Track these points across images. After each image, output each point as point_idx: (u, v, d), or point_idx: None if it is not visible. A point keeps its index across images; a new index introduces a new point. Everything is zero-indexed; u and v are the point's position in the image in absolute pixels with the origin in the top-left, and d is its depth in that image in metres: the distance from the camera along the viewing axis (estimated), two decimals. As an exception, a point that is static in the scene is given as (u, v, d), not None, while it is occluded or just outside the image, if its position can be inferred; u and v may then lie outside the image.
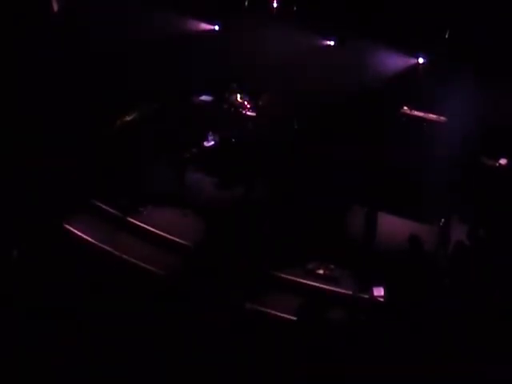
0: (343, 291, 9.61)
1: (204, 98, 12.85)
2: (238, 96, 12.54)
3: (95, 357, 6.12)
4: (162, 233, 10.56)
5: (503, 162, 10.77)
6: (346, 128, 11.54)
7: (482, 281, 8.07)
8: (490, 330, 6.86)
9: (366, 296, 9.10)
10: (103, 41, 11.23)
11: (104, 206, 10.88)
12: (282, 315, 8.90)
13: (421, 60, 11.96)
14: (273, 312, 9.01)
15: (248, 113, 12.68)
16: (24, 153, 9.90)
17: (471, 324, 6.98)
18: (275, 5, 12.49)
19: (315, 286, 9.77)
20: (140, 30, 11.74)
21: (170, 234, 10.51)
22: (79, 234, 10.16)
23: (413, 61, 11.92)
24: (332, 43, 12.22)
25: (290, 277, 9.81)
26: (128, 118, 11.65)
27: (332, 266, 9.98)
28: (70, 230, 10.02)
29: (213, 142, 12.56)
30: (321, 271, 9.95)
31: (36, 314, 6.71)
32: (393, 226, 10.57)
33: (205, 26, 12.94)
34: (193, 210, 11.05)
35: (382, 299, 8.81)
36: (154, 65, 11.84)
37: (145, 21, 11.94)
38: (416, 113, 11.84)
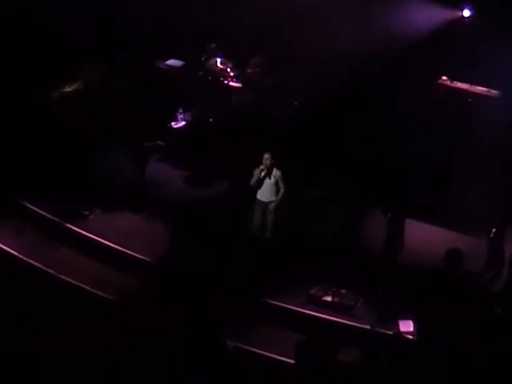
0: (358, 325, 9.71)
1: (172, 62, 13.05)
2: (218, 61, 12.76)
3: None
4: (113, 245, 10.72)
5: None
6: (361, 106, 11.90)
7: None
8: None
9: (389, 332, 9.29)
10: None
11: (35, 209, 11.06)
12: (276, 357, 9.10)
13: (466, 13, 11.91)
14: (264, 353, 9.23)
15: (231, 83, 12.84)
16: None
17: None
18: None
19: (320, 317, 9.87)
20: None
21: (125, 247, 10.66)
22: (1, 246, 10.35)
23: (456, 14, 11.91)
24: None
25: (286, 305, 9.93)
26: (68, 89, 11.84)
27: (343, 291, 10.09)
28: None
29: (183, 123, 12.62)
30: (328, 298, 10.04)
31: None
32: (424, 237, 10.79)
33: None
34: (156, 214, 11.24)
35: (410, 336, 8.90)
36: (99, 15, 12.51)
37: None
38: (458, 85, 12.05)
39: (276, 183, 10.69)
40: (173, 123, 12.66)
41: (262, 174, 10.49)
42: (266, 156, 10.48)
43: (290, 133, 12.30)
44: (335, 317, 9.80)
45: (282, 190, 10.72)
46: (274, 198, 10.78)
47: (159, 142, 11.98)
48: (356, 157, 11.77)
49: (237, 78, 12.88)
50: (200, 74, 12.81)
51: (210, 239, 10.77)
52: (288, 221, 11.19)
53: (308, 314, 9.90)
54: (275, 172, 10.60)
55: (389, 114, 11.89)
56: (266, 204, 10.78)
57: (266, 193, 10.70)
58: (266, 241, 10.93)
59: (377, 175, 11.08)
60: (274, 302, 9.94)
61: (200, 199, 11.78)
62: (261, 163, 10.55)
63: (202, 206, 11.57)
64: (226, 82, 12.87)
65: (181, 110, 12.65)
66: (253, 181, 10.54)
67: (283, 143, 11.83)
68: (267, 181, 10.60)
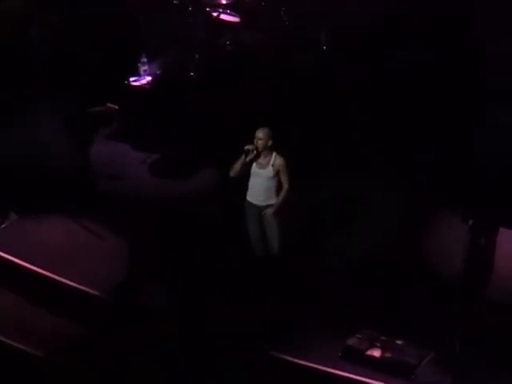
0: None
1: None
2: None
3: None
4: (37, 269, 9.93)
5: None
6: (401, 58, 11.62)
7: None
8: None
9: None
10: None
11: None
12: None
13: None
14: None
15: (223, 17, 12.55)
16: None
17: None
18: None
19: (364, 382, 8.96)
20: None
21: (56, 273, 9.88)
22: None
23: None
24: None
25: (310, 363, 9.13)
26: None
27: (399, 342, 9.24)
28: None
29: (148, 78, 11.82)
30: (376, 352, 9.24)
31: None
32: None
33: None
34: (107, 221, 10.60)
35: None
36: None
37: None
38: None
39: (276, 177, 9.62)
40: (132, 79, 11.81)
41: (247, 158, 9.46)
42: (261, 133, 9.40)
43: (310, 97, 11.83)
44: (388, 383, 8.92)
45: (285, 187, 9.63)
46: (272, 201, 9.69)
47: (110, 105, 10.96)
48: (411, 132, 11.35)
49: (231, 10, 12.62)
50: (175, 1, 12.46)
51: (189, 260, 10.04)
52: (301, 232, 10.52)
53: (344, 377, 9.02)
54: (275, 159, 9.56)
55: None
56: (260, 209, 9.77)
57: (259, 192, 9.70)
58: (271, 262, 10.08)
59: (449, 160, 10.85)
60: (292, 360, 9.23)
61: (174, 197, 11.12)
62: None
63: (177, 207, 10.90)
64: (214, 14, 12.54)
65: (144, 59, 11.81)
66: (234, 169, 9.56)
67: (295, 114, 11.42)
68: (261, 172, 9.58)
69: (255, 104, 11.63)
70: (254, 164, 9.59)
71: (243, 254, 10.18)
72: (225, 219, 10.65)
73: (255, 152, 9.49)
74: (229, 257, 10.19)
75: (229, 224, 10.48)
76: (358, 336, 9.33)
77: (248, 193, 9.82)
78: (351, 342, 9.24)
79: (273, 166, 9.59)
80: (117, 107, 11.19)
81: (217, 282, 9.97)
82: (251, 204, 9.86)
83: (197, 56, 12.12)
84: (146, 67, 11.90)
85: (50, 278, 9.95)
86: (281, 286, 9.88)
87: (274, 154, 9.57)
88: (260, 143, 9.44)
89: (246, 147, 9.47)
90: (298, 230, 10.53)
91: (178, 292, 9.77)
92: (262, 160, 9.54)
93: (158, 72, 11.98)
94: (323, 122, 11.70)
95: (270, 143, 9.46)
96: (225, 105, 11.71)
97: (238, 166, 9.58)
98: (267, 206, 9.77)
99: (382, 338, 9.30)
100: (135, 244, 10.40)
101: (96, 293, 9.74)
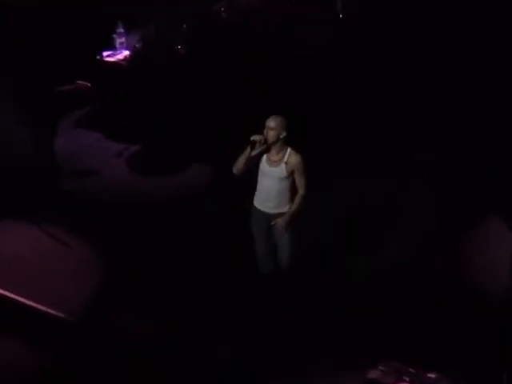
0: None
1: None
2: None
3: None
4: None
5: None
6: None
7: None
8: None
9: None
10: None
11: None
12: None
13: None
14: None
15: None
16: None
17: None
18: None
19: None
20: None
21: (14, 291, 9.38)
22: None
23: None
24: None
25: None
26: None
27: (432, 375, 8.43)
28: None
29: (126, 52, 11.44)
30: None
31: None
32: None
33: None
34: (75, 229, 10.11)
35: None
36: None
37: None
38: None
39: (289, 178, 8.76)
40: (106, 53, 11.41)
41: (253, 152, 8.59)
42: (273, 122, 8.53)
43: (313, 76, 11.75)
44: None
45: (300, 192, 8.80)
46: (283, 208, 8.85)
47: (81, 82, 10.81)
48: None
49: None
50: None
51: (175, 275, 9.42)
52: (318, 248, 9.92)
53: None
54: (289, 156, 8.69)
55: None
56: (269, 218, 8.92)
57: (268, 196, 8.87)
58: (281, 283, 9.42)
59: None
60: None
61: (158, 198, 10.60)
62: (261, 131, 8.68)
63: (161, 210, 10.34)
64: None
65: (121, 29, 11.47)
66: (237, 165, 8.68)
67: (310, 97, 11.33)
68: (271, 171, 8.71)
69: (256, 83, 11.37)
70: (264, 160, 8.68)
71: (245, 271, 9.47)
72: (221, 228, 9.99)
73: (264, 145, 8.56)
74: (223, 271, 9.51)
75: (226, 234, 9.87)
76: (381, 368, 8.34)
77: (255, 197, 8.97)
78: (373, 375, 8.34)
79: (286, 164, 8.64)
80: (89, 84, 10.91)
81: (204, 304, 9.21)
82: (259, 211, 9.00)
83: (184, 26, 11.70)
84: (122, 39, 11.50)
85: (4, 296, 9.33)
86: (289, 306, 9.17)
87: (289, 149, 8.63)
88: (271, 134, 8.49)
89: (253, 137, 8.50)
90: (314, 240, 9.88)
91: (159, 313, 9.00)
92: (273, 156, 8.63)
93: (138, 45, 11.50)
94: (323, 118, 11.35)
95: (283, 135, 8.49)
96: (220, 83, 11.32)
97: (242, 160, 8.64)
98: (278, 215, 8.90)
99: (411, 370, 8.32)
100: (109, 254, 9.73)
101: (59, 314, 9.04)
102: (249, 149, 8.53)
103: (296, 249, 9.21)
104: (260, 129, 8.65)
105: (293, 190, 8.80)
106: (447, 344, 8.88)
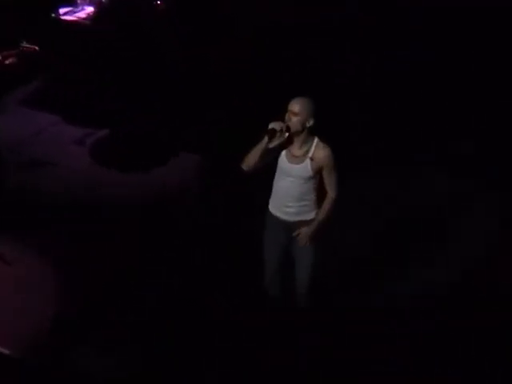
0: None
1: None
2: None
3: None
4: None
5: None
6: None
7: None
8: None
9: None
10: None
11: None
12: None
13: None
14: None
15: None
16: None
17: None
18: None
19: None
20: None
21: None
22: None
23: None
24: None
25: None
26: None
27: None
28: None
29: (89, 9, 10.25)
30: None
31: None
32: None
33: None
34: (30, 242, 8.63)
35: None
36: None
37: None
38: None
39: (316, 177, 7.38)
40: (64, 10, 10.05)
41: (271, 144, 7.12)
42: (297, 105, 7.24)
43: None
44: None
45: (330, 195, 7.43)
46: (308, 216, 7.48)
47: (27, 45, 9.08)
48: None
49: None
50: None
51: (161, 303, 7.99)
52: (344, 272, 8.68)
53: None
54: (316, 149, 7.34)
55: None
56: (288, 227, 7.53)
57: (288, 199, 7.50)
58: (295, 318, 8.23)
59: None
60: None
61: (131, 198, 9.16)
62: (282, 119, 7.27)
63: (135, 214, 8.88)
64: None
65: None
66: (248, 160, 7.21)
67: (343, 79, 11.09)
68: (293, 169, 7.33)
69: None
70: (283, 155, 7.21)
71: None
72: (216, 237, 8.62)
73: (286, 134, 7.08)
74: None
75: (223, 242, 8.56)
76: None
77: (271, 200, 7.50)
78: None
79: (312, 160, 7.18)
80: (37, 48, 9.21)
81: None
82: (275, 217, 7.53)
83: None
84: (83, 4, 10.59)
85: None
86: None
87: (316, 140, 7.18)
88: (294, 121, 7.01)
89: (272, 125, 6.98)
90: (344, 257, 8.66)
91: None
92: (295, 150, 7.19)
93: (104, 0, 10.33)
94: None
95: (310, 123, 7.01)
96: (216, 53, 10.31)
97: (255, 154, 7.12)
98: (300, 223, 7.40)
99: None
100: (66, 273, 8.19)
101: (5, 351, 7.58)
102: (266, 139, 7.02)
103: (320, 268, 7.75)
104: (279, 114, 7.24)
105: (319, 192, 7.35)
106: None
